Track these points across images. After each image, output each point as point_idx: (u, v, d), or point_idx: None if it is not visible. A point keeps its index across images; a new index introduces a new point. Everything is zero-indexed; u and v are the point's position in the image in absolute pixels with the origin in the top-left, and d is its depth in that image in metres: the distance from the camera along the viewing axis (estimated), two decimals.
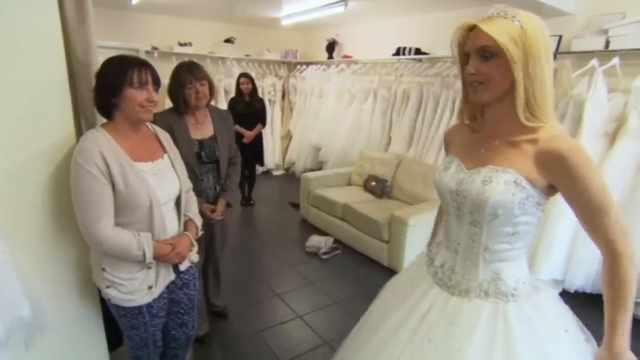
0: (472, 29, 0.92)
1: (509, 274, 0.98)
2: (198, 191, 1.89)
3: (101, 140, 1.17)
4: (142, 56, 4.97)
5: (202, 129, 1.93)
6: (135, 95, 1.18)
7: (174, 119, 1.85)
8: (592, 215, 0.86)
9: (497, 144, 0.95)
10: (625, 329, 0.86)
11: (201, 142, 1.91)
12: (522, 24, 0.85)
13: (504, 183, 0.90)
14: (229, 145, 2.04)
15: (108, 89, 1.18)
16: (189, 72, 1.80)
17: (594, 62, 2.75)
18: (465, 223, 1.00)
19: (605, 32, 2.82)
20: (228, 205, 2.04)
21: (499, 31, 0.85)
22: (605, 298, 0.88)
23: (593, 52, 2.84)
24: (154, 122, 1.80)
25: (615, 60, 2.69)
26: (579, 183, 0.84)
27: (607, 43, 2.82)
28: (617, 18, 2.80)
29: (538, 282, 1.04)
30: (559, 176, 0.87)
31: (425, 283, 1.11)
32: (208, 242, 2.11)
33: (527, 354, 0.90)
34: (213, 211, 1.95)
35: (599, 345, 0.94)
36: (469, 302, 0.98)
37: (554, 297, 1.04)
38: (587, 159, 0.85)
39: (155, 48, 5.16)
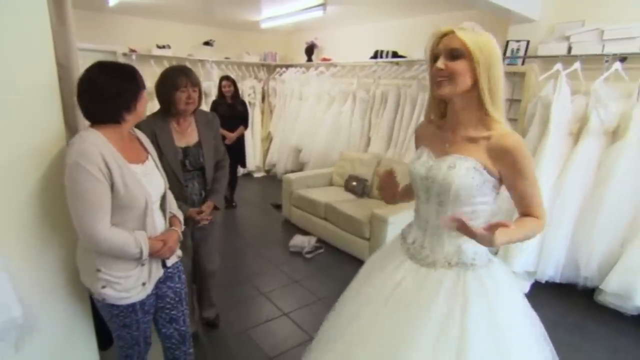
0: (445, 34, 1.09)
1: (469, 247, 1.16)
2: (183, 197, 1.88)
3: (99, 142, 1.20)
4: (120, 59, 4.95)
5: (187, 136, 1.91)
6: (145, 96, 1.31)
7: (158, 126, 1.81)
8: (527, 198, 1.09)
9: (458, 140, 1.14)
10: (513, 239, 1.08)
11: (185, 150, 1.88)
12: (486, 38, 1.06)
13: (465, 169, 1.09)
14: (215, 150, 2.01)
15: (132, 97, 1.25)
16: (185, 76, 1.79)
17: (559, 66, 2.94)
18: (433, 204, 1.17)
19: (567, 38, 3.02)
20: (215, 208, 2.01)
21: (471, 38, 1.05)
22: (523, 224, 1.10)
23: (557, 56, 3.04)
24: (137, 129, 1.82)
25: (577, 65, 2.88)
26: (521, 172, 1.07)
27: (570, 48, 3.02)
28: (577, 25, 3.01)
29: (491, 256, 1.22)
30: (506, 166, 1.08)
31: (398, 258, 1.28)
32: (196, 248, 2.11)
33: (478, 310, 1.10)
34: (199, 213, 1.92)
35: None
36: (435, 271, 1.17)
37: (505, 269, 1.24)
38: (528, 154, 1.07)
39: (133, 50, 5.11)
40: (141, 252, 1.25)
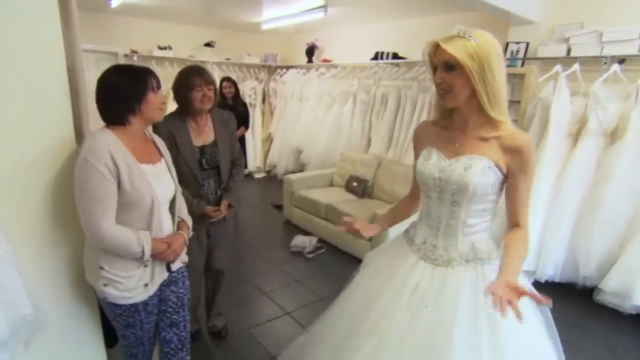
0: (438, 45, 1.09)
1: (482, 243, 1.20)
2: (200, 196, 1.93)
3: (109, 141, 1.22)
4: (121, 60, 4.96)
5: (204, 135, 1.95)
6: (155, 99, 1.30)
7: (175, 126, 1.86)
8: (523, 198, 1.13)
9: (470, 140, 1.15)
10: (517, 273, 1.06)
11: (202, 149, 1.92)
12: (477, 42, 1.03)
13: (481, 168, 1.11)
14: (230, 149, 2.05)
15: (133, 98, 1.26)
16: (199, 75, 1.84)
17: (558, 67, 2.97)
18: (446, 204, 1.19)
19: (567, 40, 3.05)
20: (230, 206, 2.05)
21: (457, 49, 1.03)
22: (513, 253, 1.09)
23: (557, 58, 3.07)
24: (154, 129, 1.84)
25: (576, 66, 2.91)
26: (526, 170, 1.11)
27: (569, 50, 3.05)
28: (577, 28, 3.04)
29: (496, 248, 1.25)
30: (515, 163, 1.11)
31: (409, 261, 1.27)
32: (210, 247, 2.13)
33: None
34: (215, 211, 1.97)
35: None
36: (452, 269, 1.18)
37: None
38: (534, 155, 1.12)
39: (134, 51, 5.13)
40: (143, 252, 1.25)
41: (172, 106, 2.05)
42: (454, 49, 1.03)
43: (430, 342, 1.12)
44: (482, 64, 1.03)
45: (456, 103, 1.11)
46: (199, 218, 1.88)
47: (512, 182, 1.13)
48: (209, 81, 1.87)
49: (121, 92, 1.25)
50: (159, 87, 1.32)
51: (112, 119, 1.28)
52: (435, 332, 1.12)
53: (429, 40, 1.11)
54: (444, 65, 1.07)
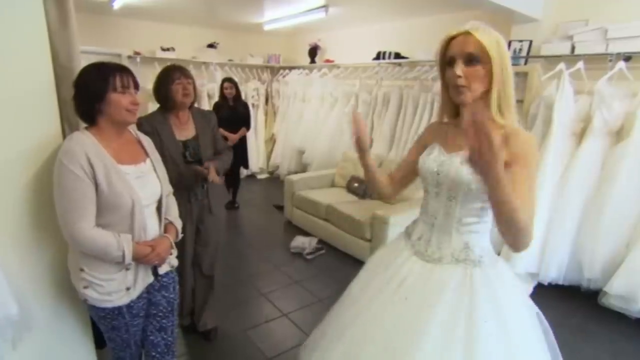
0: (454, 37, 1.05)
1: (476, 244, 1.15)
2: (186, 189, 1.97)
3: (86, 142, 1.20)
4: (125, 61, 4.99)
5: (185, 129, 2.00)
6: (120, 99, 1.22)
7: (159, 122, 1.92)
8: (523, 191, 1.00)
9: None
10: (505, 191, 0.88)
11: (185, 143, 1.98)
12: (498, 37, 1.01)
13: None
14: (212, 143, 2.10)
15: (92, 96, 1.21)
16: (178, 70, 1.93)
17: (562, 65, 2.90)
18: (442, 199, 1.16)
19: (571, 37, 2.99)
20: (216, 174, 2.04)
21: (490, 41, 1.00)
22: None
23: (560, 56, 3.00)
24: (139, 126, 1.83)
25: (580, 64, 2.85)
26: (526, 162, 1.01)
27: (573, 48, 2.99)
28: (581, 25, 2.97)
29: (494, 254, 1.20)
30: (514, 155, 1.02)
31: (403, 254, 1.26)
32: (199, 243, 2.15)
33: (487, 311, 1.06)
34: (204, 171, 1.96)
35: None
36: (441, 267, 1.15)
37: (510, 269, 1.21)
38: (536, 152, 1.04)
39: (137, 53, 5.16)
40: (123, 256, 1.22)
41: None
42: (487, 40, 0.99)
43: (400, 338, 1.10)
44: (504, 60, 1.00)
45: (472, 99, 1.05)
46: (191, 186, 1.97)
47: (510, 176, 1.02)
48: (188, 75, 1.95)
49: (82, 89, 1.22)
50: (127, 86, 1.24)
51: (83, 119, 1.26)
52: (408, 328, 1.09)
53: (457, 29, 1.05)
54: (467, 58, 1.01)
